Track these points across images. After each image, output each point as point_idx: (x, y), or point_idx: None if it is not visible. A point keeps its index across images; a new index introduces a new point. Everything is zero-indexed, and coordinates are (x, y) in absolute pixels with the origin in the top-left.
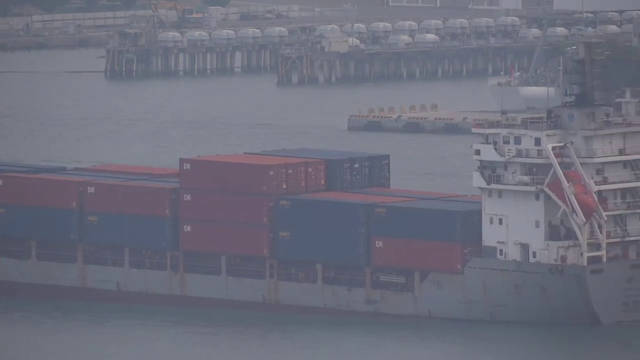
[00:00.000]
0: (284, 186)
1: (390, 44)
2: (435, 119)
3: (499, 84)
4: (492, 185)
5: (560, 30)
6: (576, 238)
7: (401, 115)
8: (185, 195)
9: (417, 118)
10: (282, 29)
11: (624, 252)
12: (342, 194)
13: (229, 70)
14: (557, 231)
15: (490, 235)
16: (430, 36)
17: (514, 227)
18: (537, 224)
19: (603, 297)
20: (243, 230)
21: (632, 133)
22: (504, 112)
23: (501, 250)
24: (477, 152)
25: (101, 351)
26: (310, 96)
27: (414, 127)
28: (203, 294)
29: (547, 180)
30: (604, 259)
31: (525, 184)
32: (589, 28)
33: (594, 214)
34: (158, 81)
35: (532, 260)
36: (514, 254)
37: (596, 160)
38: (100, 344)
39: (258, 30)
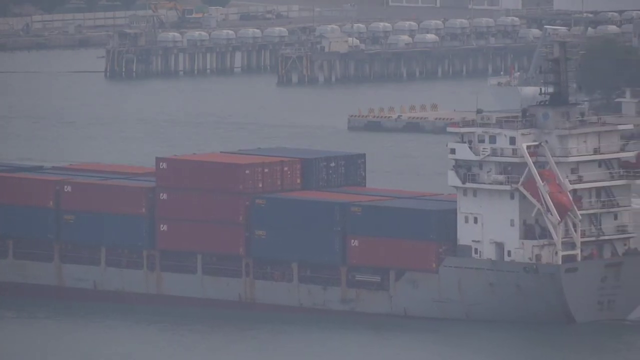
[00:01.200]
0: (260, 185)
1: (390, 44)
2: (435, 119)
3: (499, 84)
4: (467, 184)
5: (560, 30)
6: (551, 237)
7: (401, 115)
8: (161, 194)
9: (417, 118)
10: (282, 29)
11: (598, 251)
12: (318, 193)
13: (229, 70)
14: (531, 230)
15: (465, 234)
16: (430, 36)
17: (489, 226)
18: (512, 223)
19: (577, 296)
20: (219, 229)
21: (606, 132)
22: (479, 111)
23: (476, 249)
24: (452, 151)
25: (77, 350)
26: (310, 96)
27: (414, 127)
28: (179, 292)
29: (521, 179)
30: (579, 258)
31: (500, 183)
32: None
33: (569, 213)
34: (158, 81)
35: (507, 259)
36: (489, 252)
37: (571, 159)
38: (76, 343)
39: (258, 30)
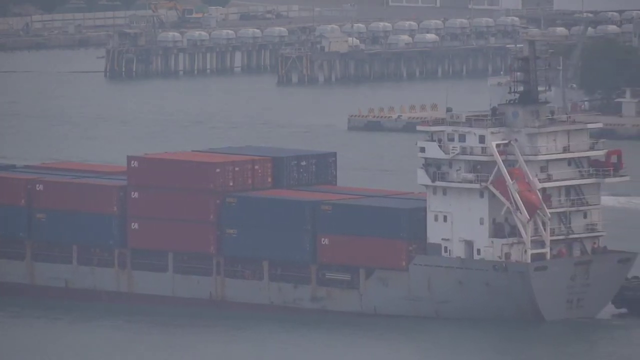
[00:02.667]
0: (231, 184)
1: (390, 44)
2: (435, 119)
3: (499, 83)
4: (437, 183)
5: (560, 30)
6: (520, 235)
7: (401, 115)
8: (132, 193)
9: (417, 118)
10: (282, 29)
11: (567, 250)
12: (289, 191)
13: (229, 70)
14: (501, 228)
15: (435, 233)
16: (430, 36)
17: (458, 225)
18: (481, 221)
19: (547, 294)
20: (190, 227)
21: (576, 131)
22: (448, 110)
23: (446, 248)
24: (422, 149)
25: (48, 348)
26: (310, 96)
27: (413, 127)
28: (150, 291)
29: (491, 178)
30: (548, 257)
31: (470, 182)
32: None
33: (538, 211)
34: (158, 81)
35: (476, 257)
36: (458, 251)
37: (540, 157)
38: (47, 341)
39: (258, 30)
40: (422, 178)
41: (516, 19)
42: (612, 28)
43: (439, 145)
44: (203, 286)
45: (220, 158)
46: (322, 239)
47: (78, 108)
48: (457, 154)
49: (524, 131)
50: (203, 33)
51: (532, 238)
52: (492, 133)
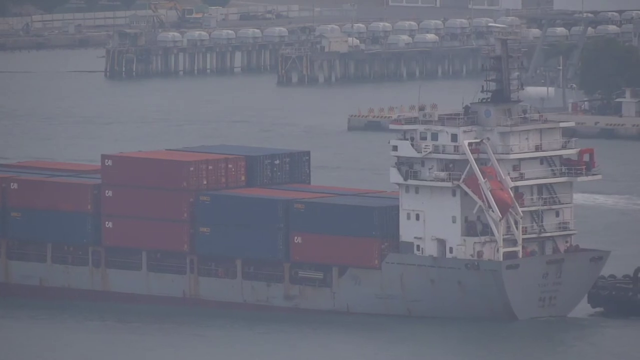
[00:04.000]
0: (205, 182)
1: (390, 44)
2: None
3: None
4: (409, 181)
5: (560, 30)
6: (492, 234)
7: (401, 115)
8: (107, 191)
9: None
10: (282, 29)
11: (539, 249)
12: (262, 190)
13: (229, 70)
14: (473, 227)
15: (407, 231)
16: (430, 36)
17: (430, 223)
18: (453, 220)
19: (519, 292)
20: (163, 225)
21: (548, 129)
22: (421, 109)
23: (418, 246)
24: (395, 148)
25: (22, 346)
26: (310, 96)
27: None
28: (124, 289)
29: (463, 176)
30: (520, 255)
31: (442, 180)
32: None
33: (510, 210)
34: (158, 81)
35: (448, 255)
36: (430, 249)
37: (512, 156)
38: (21, 339)
39: (258, 30)
40: (395, 176)
41: (516, 19)
42: (612, 28)
43: (411, 144)
44: (177, 284)
45: (194, 157)
46: (295, 238)
47: (77, 108)
48: (430, 152)
49: (496, 130)
50: (203, 33)
51: (504, 236)
52: (465, 132)
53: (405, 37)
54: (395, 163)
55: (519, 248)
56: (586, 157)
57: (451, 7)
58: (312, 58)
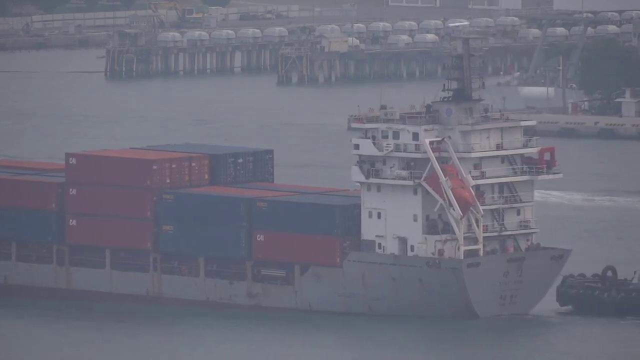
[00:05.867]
0: (168, 180)
1: (390, 44)
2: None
3: (499, 84)
4: (371, 180)
5: (560, 30)
6: (453, 232)
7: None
8: (71, 190)
9: None
10: (282, 29)
11: (501, 246)
12: (225, 188)
13: (229, 70)
14: (434, 225)
15: (369, 229)
16: (430, 36)
17: (392, 221)
18: (415, 218)
19: (480, 290)
20: (127, 224)
21: (509, 128)
22: (382, 107)
23: (380, 244)
24: (356, 146)
25: None
26: (310, 96)
27: None
28: (88, 287)
29: (424, 175)
30: (481, 253)
31: (403, 179)
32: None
33: (471, 208)
34: (158, 81)
35: (410, 253)
36: (392, 247)
37: (473, 155)
38: None
39: (258, 30)
40: (356, 175)
41: (516, 19)
42: (612, 28)
43: (373, 143)
44: (140, 282)
45: (158, 155)
46: (258, 236)
47: (75, 107)
48: (391, 151)
49: (457, 129)
50: (203, 33)
51: (465, 235)
52: (426, 130)
53: (405, 37)
54: (357, 162)
55: (479, 246)
56: (547, 156)
57: (451, 7)
58: (312, 58)
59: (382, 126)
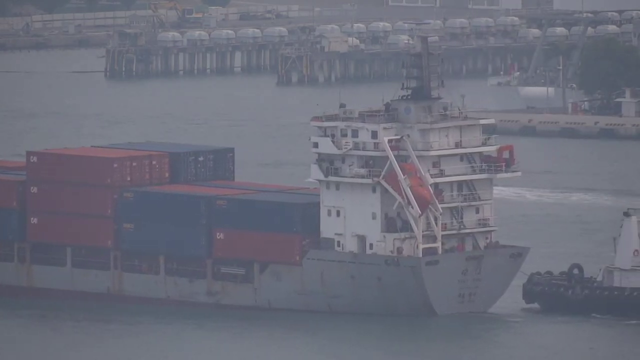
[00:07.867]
0: (128, 179)
1: (390, 44)
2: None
3: (499, 84)
4: (330, 178)
5: (560, 30)
6: (412, 230)
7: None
8: (32, 188)
9: None
10: (282, 29)
11: (459, 245)
12: (186, 186)
13: (229, 70)
14: (393, 223)
15: (328, 227)
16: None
17: (351, 219)
18: (373, 216)
19: (438, 288)
20: (88, 222)
21: (468, 126)
22: (342, 106)
23: (339, 242)
24: (315, 144)
25: None
26: (310, 96)
27: None
28: (49, 285)
29: (383, 173)
30: (440, 251)
31: (362, 177)
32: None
33: (430, 206)
34: (158, 81)
35: (368, 251)
36: (351, 245)
37: (432, 153)
38: None
39: (258, 30)
40: (316, 173)
41: (516, 18)
42: (612, 28)
43: (332, 141)
44: (101, 280)
45: (118, 153)
46: (218, 234)
47: (73, 107)
48: (350, 149)
49: (416, 127)
50: (203, 33)
51: (424, 233)
52: (385, 129)
53: (405, 37)
54: (316, 160)
55: (438, 244)
56: (506, 154)
57: (451, 7)
58: (312, 58)
59: (341, 124)
